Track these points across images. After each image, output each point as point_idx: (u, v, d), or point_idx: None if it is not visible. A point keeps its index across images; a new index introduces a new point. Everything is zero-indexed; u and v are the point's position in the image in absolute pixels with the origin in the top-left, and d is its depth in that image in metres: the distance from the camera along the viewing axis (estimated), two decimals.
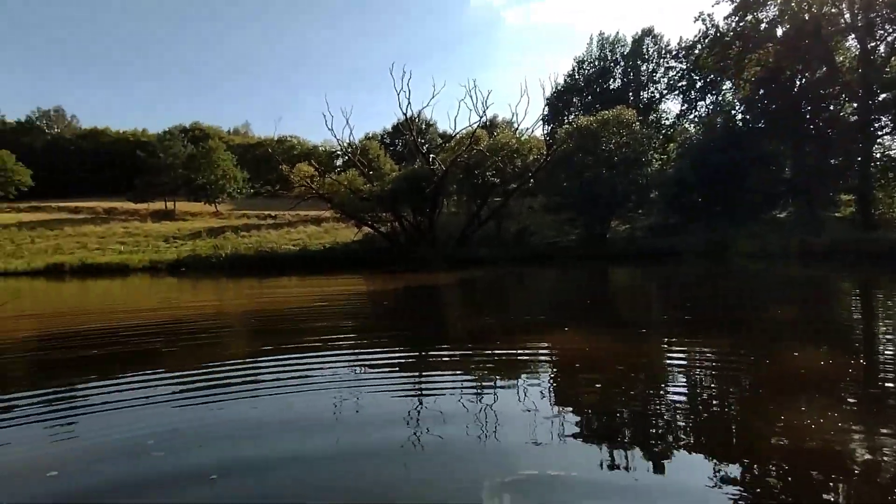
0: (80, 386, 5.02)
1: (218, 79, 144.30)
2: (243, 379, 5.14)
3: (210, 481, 2.54)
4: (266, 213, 48.81)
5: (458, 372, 5.17)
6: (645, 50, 49.20)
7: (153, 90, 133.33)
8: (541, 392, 4.30)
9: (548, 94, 43.51)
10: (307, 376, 5.10)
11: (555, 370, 5.24)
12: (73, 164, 60.27)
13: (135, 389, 4.69)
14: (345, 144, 38.22)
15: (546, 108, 42.19)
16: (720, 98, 43.39)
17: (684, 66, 46.84)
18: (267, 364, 5.91)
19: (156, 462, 2.86)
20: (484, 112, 33.83)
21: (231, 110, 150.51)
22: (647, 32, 49.13)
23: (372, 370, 5.38)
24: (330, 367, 5.48)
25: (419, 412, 3.82)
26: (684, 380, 4.69)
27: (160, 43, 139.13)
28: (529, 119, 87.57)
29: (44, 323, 10.10)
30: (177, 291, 17.90)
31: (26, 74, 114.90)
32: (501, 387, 4.42)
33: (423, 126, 46.22)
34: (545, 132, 41.94)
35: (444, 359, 5.87)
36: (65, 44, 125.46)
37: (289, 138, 70.26)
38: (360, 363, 5.74)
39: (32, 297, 16.26)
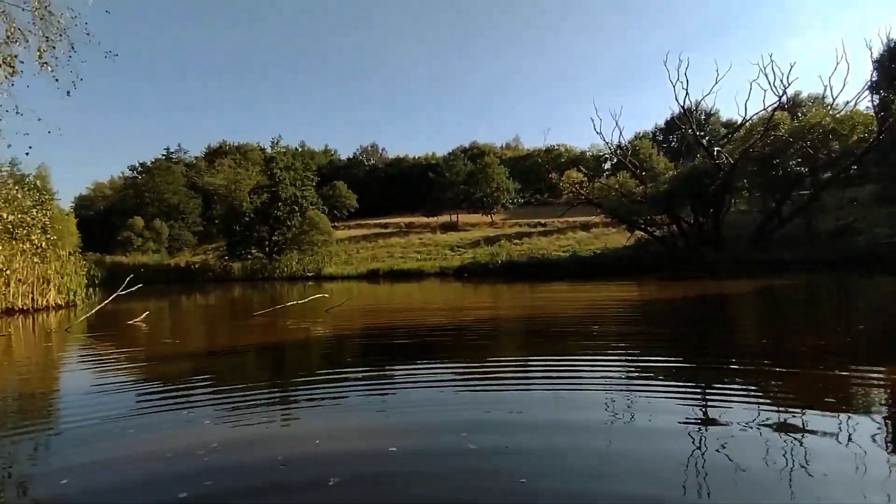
0: (388, 367, 5.93)
1: (490, 99, 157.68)
2: (515, 375, 5.29)
3: (520, 483, 2.56)
4: (536, 220, 50.86)
5: (754, 392, 4.25)
6: None
7: (440, 117, 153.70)
8: (879, 436, 3.15)
9: (877, 54, 33.44)
10: (577, 378, 4.95)
11: None
12: (383, 187, 73.48)
13: (428, 374, 5.39)
14: (613, 147, 37.11)
15: (874, 73, 33.01)
16: None
17: None
18: (538, 363, 5.99)
19: (470, 453, 3.03)
20: (784, 91, 28.59)
21: (503, 126, 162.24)
22: None
23: (646, 378, 4.89)
24: (601, 371, 5.21)
25: (702, 429, 3.29)
26: None
27: (440, 74, 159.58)
28: (849, 90, 69.47)
29: (367, 317, 12.41)
30: (460, 294, 19.96)
31: (354, 118, 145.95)
32: (815, 419, 3.43)
33: (703, 117, 41.63)
34: (874, 103, 32.99)
35: (735, 375, 4.92)
36: (377, 89, 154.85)
37: (556, 147, 71.89)
38: (633, 370, 5.32)
39: (360, 297, 20.23)
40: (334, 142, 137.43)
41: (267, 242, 44.27)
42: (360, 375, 5.66)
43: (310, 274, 39.34)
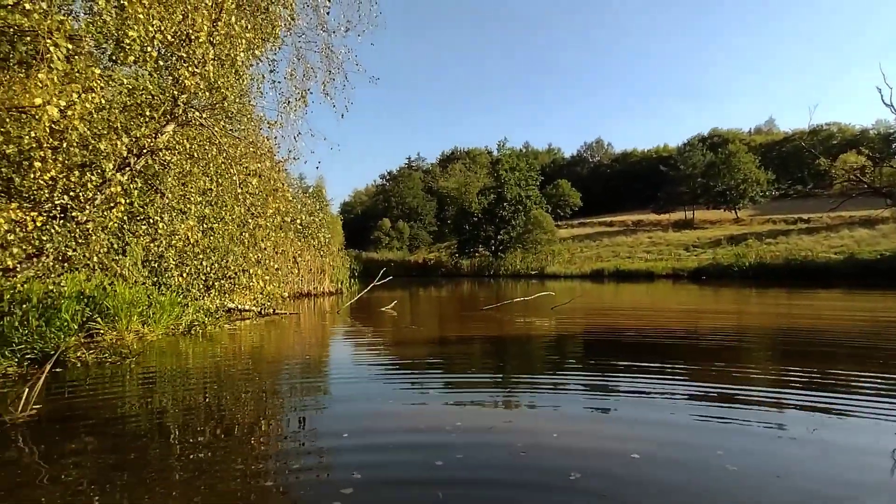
0: (616, 369, 5.56)
1: (736, 80, 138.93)
2: (763, 401, 4.31)
3: None
4: (796, 216, 43.11)
5: None
6: None
7: (675, 107, 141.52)
8: None
9: None
10: (857, 410, 3.92)
11: None
12: (608, 184, 70.78)
13: (662, 382, 4.96)
14: None
15: None
16: None
17: None
18: (799, 383, 4.91)
19: (730, 474, 2.71)
20: None
21: (751, 109, 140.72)
22: None
23: None
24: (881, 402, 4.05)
25: None
26: None
27: (675, 62, 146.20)
28: None
29: (592, 316, 12.10)
30: (697, 298, 18.00)
31: (580, 118, 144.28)
32: None
33: None
34: None
35: None
36: (604, 84, 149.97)
37: (825, 127, 59.59)
38: None
39: (584, 296, 19.86)
40: (558, 140, 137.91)
41: (493, 241, 46.58)
42: (587, 374, 5.51)
43: (533, 272, 40.10)
